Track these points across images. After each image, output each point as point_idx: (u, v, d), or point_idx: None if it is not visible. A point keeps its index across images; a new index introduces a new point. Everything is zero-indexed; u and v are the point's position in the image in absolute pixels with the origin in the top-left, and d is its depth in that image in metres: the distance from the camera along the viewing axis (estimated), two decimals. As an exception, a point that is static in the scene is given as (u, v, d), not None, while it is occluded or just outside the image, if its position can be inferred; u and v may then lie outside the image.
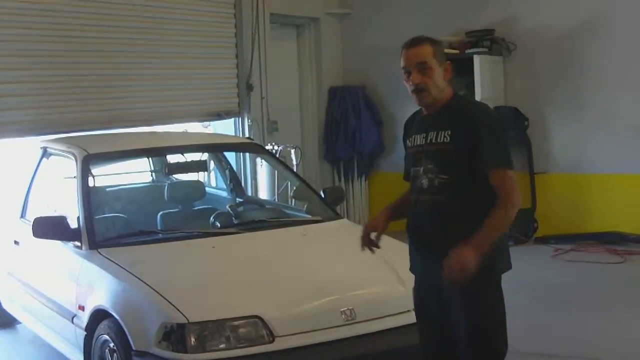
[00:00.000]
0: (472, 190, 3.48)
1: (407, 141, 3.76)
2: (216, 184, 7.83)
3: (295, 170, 8.49)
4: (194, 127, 9.12)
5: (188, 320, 4.10)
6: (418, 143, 3.64)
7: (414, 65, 3.55)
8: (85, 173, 5.42)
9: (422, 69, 3.54)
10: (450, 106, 3.60)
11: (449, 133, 3.50)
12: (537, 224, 9.29)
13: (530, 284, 7.32)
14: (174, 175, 7.03)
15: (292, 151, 8.91)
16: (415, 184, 3.64)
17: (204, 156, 6.90)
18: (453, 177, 3.49)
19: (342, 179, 10.41)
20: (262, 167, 8.69)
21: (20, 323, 6.46)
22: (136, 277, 4.50)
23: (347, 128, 10.18)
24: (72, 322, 4.96)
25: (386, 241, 5.13)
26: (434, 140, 3.55)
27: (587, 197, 9.13)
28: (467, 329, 3.48)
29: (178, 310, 4.15)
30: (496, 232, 3.41)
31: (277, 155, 8.49)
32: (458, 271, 3.30)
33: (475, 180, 3.46)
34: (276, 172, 8.18)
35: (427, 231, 3.59)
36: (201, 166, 6.70)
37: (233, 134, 9.09)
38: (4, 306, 6.50)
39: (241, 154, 8.82)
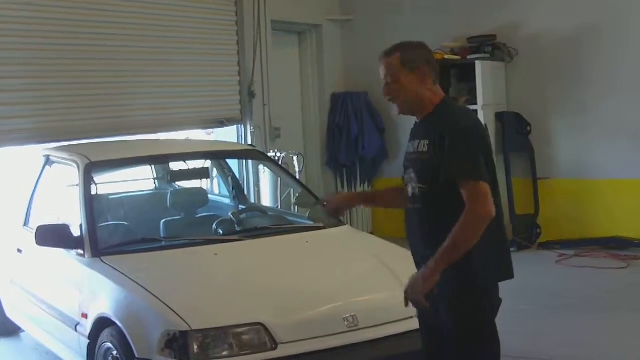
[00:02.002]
0: (447, 199, 3.43)
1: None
2: (219, 191, 7.83)
3: (298, 176, 8.50)
4: (197, 135, 9.13)
5: (191, 327, 4.10)
6: (408, 151, 3.66)
7: (383, 78, 3.59)
8: (87, 181, 5.42)
9: (389, 82, 3.57)
10: (435, 114, 3.58)
11: (427, 143, 3.49)
12: (540, 229, 9.29)
13: (533, 289, 7.32)
14: (176, 183, 7.05)
15: (295, 158, 8.91)
16: (407, 191, 3.66)
17: (207, 163, 6.91)
18: (430, 186, 3.48)
19: (345, 185, 10.40)
20: (265, 174, 8.68)
21: (24, 331, 6.46)
22: (139, 284, 4.51)
23: (350, 134, 10.18)
24: (76, 330, 4.96)
25: (388, 247, 5.18)
26: (416, 149, 3.56)
27: (590, 202, 9.13)
28: (454, 337, 3.48)
29: (181, 317, 4.15)
30: (456, 249, 3.34)
31: (280, 162, 8.50)
32: (411, 294, 3.44)
33: (451, 190, 3.41)
34: (279, 179, 8.16)
35: (411, 239, 3.65)
36: (203, 173, 6.69)
37: (235, 141, 9.09)
38: (8, 314, 6.50)
39: (244, 161, 8.80)
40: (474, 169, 3.39)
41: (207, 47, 8.76)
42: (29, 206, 6.19)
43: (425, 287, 3.38)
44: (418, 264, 3.60)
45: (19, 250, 6.06)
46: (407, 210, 3.65)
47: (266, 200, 8.66)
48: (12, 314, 6.42)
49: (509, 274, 3.57)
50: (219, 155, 6.84)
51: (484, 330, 3.50)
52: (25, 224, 6.13)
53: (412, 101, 3.57)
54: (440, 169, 3.42)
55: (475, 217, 3.33)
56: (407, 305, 3.51)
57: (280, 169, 7.04)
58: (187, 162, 6.53)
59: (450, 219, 3.37)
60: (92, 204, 5.31)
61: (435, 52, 9.10)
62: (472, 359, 3.50)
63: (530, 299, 7.00)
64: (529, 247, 9.11)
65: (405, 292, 3.48)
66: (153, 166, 7.27)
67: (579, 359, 5.67)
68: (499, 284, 3.55)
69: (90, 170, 5.52)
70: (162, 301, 4.30)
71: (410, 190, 3.58)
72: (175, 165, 6.79)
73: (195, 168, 6.55)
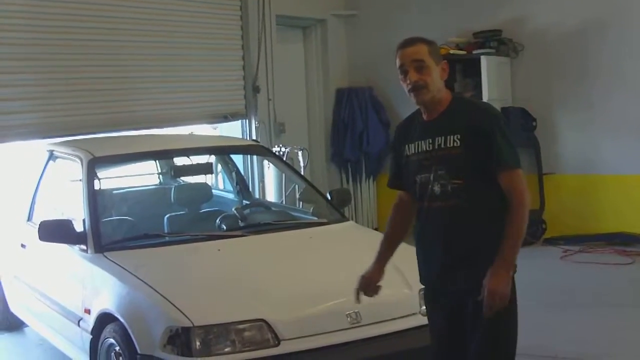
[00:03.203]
0: (485, 191, 3.45)
1: (406, 148, 3.65)
2: (224, 186, 7.81)
3: (302, 172, 8.48)
4: (203, 129, 9.10)
5: (193, 323, 4.09)
6: (424, 149, 3.56)
7: (410, 63, 3.49)
8: (90, 176, 5.42)
9: (419, 67, 3.48)
10: (454, 109, 3.54)
11: (459, 137, 3.44)
12: (545, 225, 9.26)
13: (538, 285, 7.28)
14: (181, 178, 7.03)
15: (299, 153, 8.88)
16: (423, 191, 3.56)
17: (210, 159, 6.89)
18: (466, 180, 3.45)
19: (350, 180, 10.38)
20: (270, 170, 8.66)
21: (27, 326, 6.46)
22: (141, 280, 4.51)
23: (355, 129, 10.15)
24: (79, 326, 4.97)
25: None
26: (442, 145, 3.48)
27: (595, 198, 9.10)
28: (486, 329, 3.45)
29: (183, 313, 4.15)
30: (519, 241, 3.41)
31: (284, 157, 8.48)
32: (499, 301, 3.36)
33: (487, 181, 3.44)
34: (283, 174, 8.14)
35: (443, 237, 3.53)
36: (207, 169, 6.65)
37: (240, 136, 9.08)
38: (12, 309, 6.50)
39: (248, 156, 8.78)
40: (518, 158, 3.47)
41: (212, 42, 8.73)
42: (32, 201, 6.18)
43: (508, 288, 3.39)
44: (432, 263, 3.60)
45: (23, 246, 6.06)
46: (432, 209, 3.54)
47: (271, 196, 8.65)
48: (16, 309, 6.43)
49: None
50: (222, 151, 6.82)
51: (515, 319, 3.55)
52: (29, 219, 6.12)
53: (437, 92, 3.52)
54: (475, 160, 3.42)
55: (527, 204, 3.41)
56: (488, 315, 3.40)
57: (283, 164, 7.01)
58: (190, 157, 6.51)
59: (489, 207, 3.44)
60: (96, 199, 5.31)
61: (441, 47, 9.07)
62: (503, 352, 3.51)
63: (534, 295, 6.93)
64: (534, 242, 9.06)
65: (489, 306, 3.36)
66: (158, 161, 7.26)
67: (583, 355, 5.64)
68: None
69: (93, 165, 5.51)
70: (164, 297, 4.29)
71: (437, 188, 3.49)
72: (179, 161, 6.77)
73: (198, 163, 6.53)
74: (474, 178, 3.44)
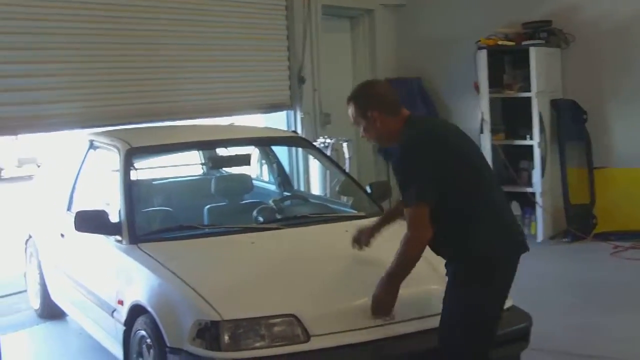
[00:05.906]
0: (438, 213, 3.74)
1: None
2: (269, 177, 7.74)
3: (348, 164, 8.39)
4: (250, 119, 9.04)
5: (222, 317, 4.03)
6: None
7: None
8: (127, 166, 5.38)
9: (359, 126, 4.02)
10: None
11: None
12: (596, 220, 9.06)
13: (585, 282, 7.15)
14: (221, 169, 6.99)
15: (345, 144, 8.77)
16: None
17: (250, 150, 6.83)
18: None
19: (397, 172, 10.24)
20: (315, 161, 8.57)
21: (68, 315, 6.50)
22: (172, 272, 4.46)
23: (402, 121, 10.00)
24: (112, 316, 4.96)
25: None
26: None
27: (648, 192, 8.87)
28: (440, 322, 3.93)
29: (212, 307, 4.09)
30: (399, 266, 3.88)
31: (330, 149, 8.39)
32: (375, 305, 4.02)
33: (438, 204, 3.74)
34: (325, 166, 8.04)
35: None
36: (244, 160, 6.54)
37: (285, 127, 9.00)
38: (53, 298, 6.55)
39: (294, 148, 8.69)
40: (406, 195, 3.76)
41: (256, 32, 8.65)
42: (72, 191, 6.20)
43: (388, 305, 3.99)
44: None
45: (62, 235, 6.07)
46: None
47: (315, 188, 8.57)
48: (56, 298, 6.47)
49: (501, 250, 3.84)
50: (259, 142, 6.75)
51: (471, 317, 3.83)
52: (69, 208, 6.13)
53: (381, 137, 3.99)
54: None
55: (410, 240, 3.79)
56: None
57: (322, 155, 6.90)
58: (229, 148, 6.46)
59: (441, 230, 3.78)
60: (131, 190, 5.28)
61: (489, 37, 8.93)
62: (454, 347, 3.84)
63: (582, 292, 6.83)
64: (584, 238, 8.88)
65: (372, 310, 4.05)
66: (201, 152, 7.23)
67: (630, 356, 5.49)
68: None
69: (130, 155, 5.48)
70: (194, 290, 4.24)
71: None
72: (220, 152, 6.73)
73: (236, 155, 6.46)
74: None
